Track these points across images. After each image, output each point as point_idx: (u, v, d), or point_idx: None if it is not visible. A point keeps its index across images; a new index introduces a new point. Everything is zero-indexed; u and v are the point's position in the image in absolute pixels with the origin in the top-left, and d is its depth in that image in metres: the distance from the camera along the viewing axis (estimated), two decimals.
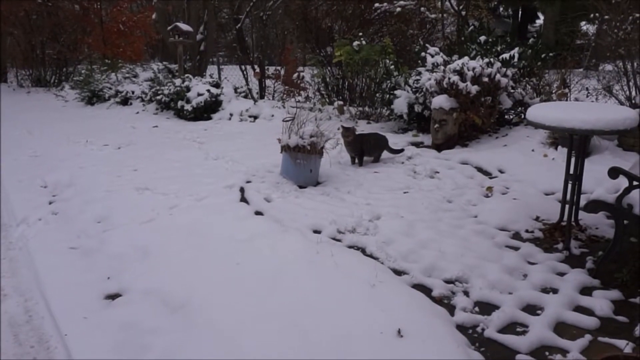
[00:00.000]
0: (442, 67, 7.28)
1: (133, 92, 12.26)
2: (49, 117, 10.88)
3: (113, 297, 3.45)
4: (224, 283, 3.42)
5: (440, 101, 6.78)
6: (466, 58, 7.07)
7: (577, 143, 3.90)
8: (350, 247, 3.99)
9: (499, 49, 7.71)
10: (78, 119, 10.62)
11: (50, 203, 5.32)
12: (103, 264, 3.90)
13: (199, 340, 2.85)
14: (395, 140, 7.39)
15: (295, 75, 11.53)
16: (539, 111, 3.73)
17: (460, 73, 6.82)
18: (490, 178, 5.62)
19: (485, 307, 3.15)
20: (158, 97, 11.03)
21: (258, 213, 4.72)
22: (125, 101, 12.15)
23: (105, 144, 7.92)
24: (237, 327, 2.93)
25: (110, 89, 12.71)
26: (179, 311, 3.15)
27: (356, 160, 6.24)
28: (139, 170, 6.25)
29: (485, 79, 6.73)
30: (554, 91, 7.62)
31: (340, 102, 9.72)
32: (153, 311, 3.19)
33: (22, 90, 16.80)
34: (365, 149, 6.21)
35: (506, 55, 7.24)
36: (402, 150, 6.59)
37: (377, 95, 9.25)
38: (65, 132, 8.88)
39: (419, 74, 7.91)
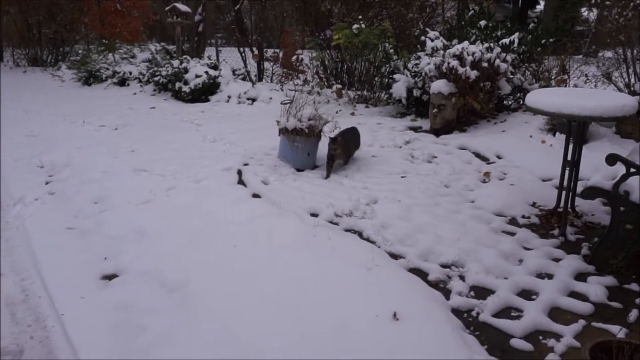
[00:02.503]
0: (441, 52, 7.24)
1: (130, 73, 12.19)
2: (46, 97, 10.81)
3: (110, 277, 3.45)
4: (221, 265, 3.43)
5: (439, 86, 6.76)
6: (466, 43, 7.03)
7: (575, 129, 3.90)
8: (347, 230, 4.00)
9: (499, 34, 7.67)
10: (75, 100, 10.56)
11: (46, 183, 5.31)
12: (100, 244, 3.90)
13: (195, 322, 2.86)
14: (393, 124, 7.39)
15: (295, 57, 11.46)
16: (538, 97, 3.73)
17: (459, 58, 6.79)
18: (488, 163, 5.62)
19: (481, 292, 3.17)
20: (156, 79, 10.97)
21: (255, 196, 4.71)
22: (122, 82, 12.07)
23: (102, 124, 7.89)
24: (233, 309, 2.94)
25: (107, 69, 12.62)
26: (176, 293, 3.16)
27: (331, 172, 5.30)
28: (136, 152, 6.23)
29: (485, 64, 6.71)
30: (553, 77, 7.60)
31: (339, 86, 9.68)
32: (150, 292, 3.20)
33: (18, 70, 16.67)
34: (352, 148, 5.59)
35: (506, 41, 7.21)
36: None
37: (376, 79, 9.21)
38: (62, 112, 8.83)
39: (418, 58, 7.87)
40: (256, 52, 12.09)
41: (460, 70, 6.63)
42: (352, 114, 8.33)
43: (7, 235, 4.21)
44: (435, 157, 5.81)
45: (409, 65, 8.00)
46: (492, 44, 7.00)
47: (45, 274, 3.52)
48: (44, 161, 5.95)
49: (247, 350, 2.59)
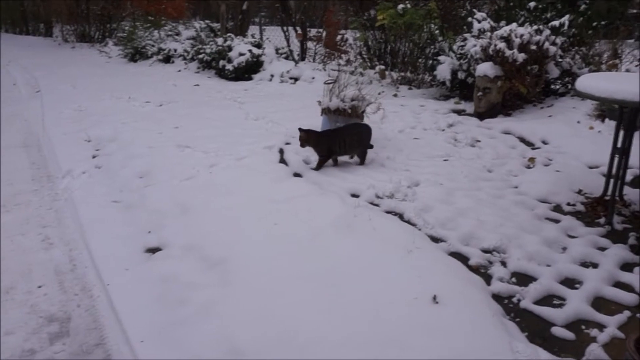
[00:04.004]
0: (488, 34, 7.10)
1: (175, 50, 12.33)
2: (93, 73, 11.04)
3: (153, 250, 3.54)
4: (262, 242, 3.46)
5: (485, 68, 6.64)
6: (514, 24, 6.87)
7: (627, 116, 3.78)
8: (388, 212, 3.98)
9: (548, 15, 7.46)
10: (121, 75, 10.75)
11: (93, 157, 5.45)
12: (144, 218, 3.99)
13: (234, 298, 2.90)
14: (436, 107, 7.30)
15: (339, 37, 11.40)
16: (588, 81, 3.62)
17: (507, 40, 6.64)
18: (533, 149, 5.51)
19: (523, 278, 3.13)
20: (200, 56, 11.07)
21: (297, 175, 4.73)
22: (167, 59, 12.23)
23: (147, 100, 8.02)
24: (272, 286, 2.97)
25: (152, 46, 12.79)
26: (217, 267, 3.21)
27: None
28: (179, 128, 6.32)
29: (533, 47, 6.54)
30: (604, 62, 7.36)
31: (382, 67, 9.60)
32: (191, 267, 3.26)
33: (67, 45, 17.06)
34: (337, 149, 4.89)
35: (556, 23, 7.00)
36: (371, 146, 5.16)
37: (420, 60, 9.09)
38: (108, 88, 9.01)
39: (464, 39, 7.73)
40: (299, 31, 12.06)
41: (508, 52, 6.49)
42: (395, 95, 8.26)
43: (56, 207, 4.35)
44: (479, 141, 5.73)
45: (455, 47, 7.87)
46: (541, 26, 6.82)
47: (92, 245, 3.63)
48: (91, 135, 6.09)
49: (284, 327, 2.62)
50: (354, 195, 4.24)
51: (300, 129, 4.79)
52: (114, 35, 16.99)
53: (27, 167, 5.34)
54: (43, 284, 3.23)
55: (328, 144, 4.83)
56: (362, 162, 4.99)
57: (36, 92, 9.20)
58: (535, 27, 6.79)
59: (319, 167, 4.85)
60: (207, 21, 14.19)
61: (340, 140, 4.84)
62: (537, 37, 6.59)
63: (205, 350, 2.52)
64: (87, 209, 4.20)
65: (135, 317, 2.84)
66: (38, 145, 6.05)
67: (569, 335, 2.63)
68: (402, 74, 9.38)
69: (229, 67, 10.09)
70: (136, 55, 12.79)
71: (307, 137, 4.78)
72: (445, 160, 5.11)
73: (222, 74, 10.38)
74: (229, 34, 11.16)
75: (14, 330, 2.79)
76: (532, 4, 7.60)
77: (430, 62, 8.29)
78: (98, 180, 4.82)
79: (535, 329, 2.69)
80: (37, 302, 3.05)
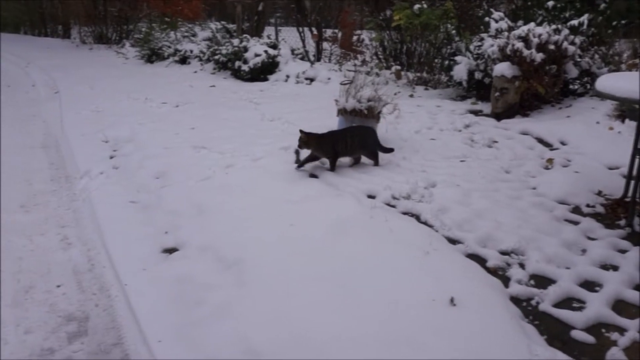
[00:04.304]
0: (506, 33, 7.04)
1: (191, 51, 12.39)
2: (110, 74, 11.13)
3: (170, 251, 3.55)
4: (277, 243, 3.45)
5: (502, 68, 6.58)
6: (532, 24, 6.81)
7: None
8: (404, 213, 3.96)
9: (567, 15, 7.39)
10: (138, 77, 10.82)
11: (111, 157, 5.48)
12: (161, 218, 4.01)
13: (250, 298, 2.90)
14: (453, 107, 7.25)
15: (355, 38, 11.38)
16: (608, 82, 3.58)
17: (525, 40, 6.58)
18: (551, 149, 5.45)
19: (541, 281, 3.09)
20: (216, 57, 11.11)
21: (312, 176, 4.72)
22: (183, 60, 12.29)
23: (163, 101, 8.06)
24: (287, 286, 2.97)
25: (169, 47, 12.87)
26: (232, 269, 3.21)
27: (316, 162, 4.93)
28: (196, 129, 6.34)
29: (552, 47, 6.47)
30: (624, 61, 7.27)
31: (398, 67, 9.57)
32: (208, 267, 3.27)
33: (84, 47, 17.23)
34: (341, 149, 4.83)
35: (575, 22, 6.93)
36: (392, 150, 5.09)
37: (436, 60, 9.04)
38: (125, 89, 9.08)
39: (482, 39, 7.69)
40: (315, 32, 12.07)
41: (525, 52, 6.43)
42: (411, 95, 8.23)
43: (74, 207, 4.39)
44: (496, 141, 5.68)
45: (471, 47, 7.82)
46: (559, 26, 6.75)
47: (110, 245, 3.65)
48: (109, 136, 6.13)
49: (298, 328, 2.62)
50: (370, 196, 4.22)
51: (301, 131, 4.75)
52: (130, 37, 17.13)
53: (46, 167, 5.39)
54: (62, 284, 3.26)
55: (331, 144, 4.79)
56: (375, 163, 4.97)
57: (55, 93, 9.30)
58: (553, 26, 6.72)
59: (332, 167, 4.84)
60: (223, 22, 14.25)
61: (342, 141, 4.80)
62: (556, 37, 6.52)
63: (222, 350, 2.52)
64: (105, 209, 4.23)
65: (153, 317, 2.85)
66: (56, 146, 6.12)
67: (589, 338, 2.60)
68: (418, 74, 9.34)
69: (245, 68, 10.11)
70: (153, 56, 12.88)
71: (307, 140, 4.74)
72: (462, 161, 5.07)
73: (237, 74, 10.41)
74: (244, 35, 11.20)
75: (34, 329, 2.82)
76: (550, 3, 7.53)
77: (447, 62, 8.25)
78: (115, 181, 4.86)
79: (555, 332, 2.66)
80: (56, 302, 3.07)
